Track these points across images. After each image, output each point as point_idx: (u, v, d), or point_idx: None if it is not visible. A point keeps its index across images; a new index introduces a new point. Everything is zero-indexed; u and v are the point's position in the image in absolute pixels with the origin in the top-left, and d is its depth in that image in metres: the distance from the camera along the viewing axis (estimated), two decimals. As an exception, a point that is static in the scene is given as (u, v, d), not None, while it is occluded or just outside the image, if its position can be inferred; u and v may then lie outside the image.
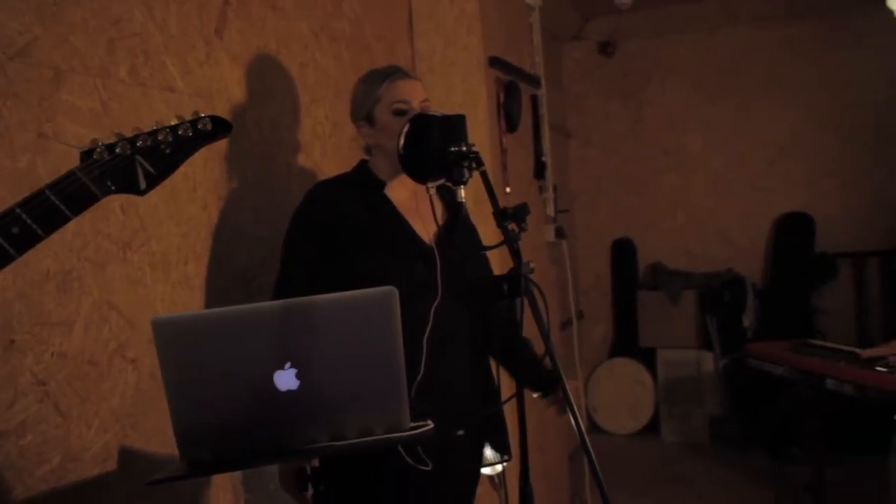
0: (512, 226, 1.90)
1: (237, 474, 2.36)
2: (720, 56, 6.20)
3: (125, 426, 1.99)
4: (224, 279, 2.35)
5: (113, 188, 1.35)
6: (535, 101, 4.46)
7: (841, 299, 5.91)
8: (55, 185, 1.30)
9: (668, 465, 5.44)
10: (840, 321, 5.86)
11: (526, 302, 1.83)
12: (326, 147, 2.90)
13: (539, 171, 4.42)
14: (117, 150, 1.35)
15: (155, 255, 2.11)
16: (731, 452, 5.56)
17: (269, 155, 2.60)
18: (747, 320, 5.80)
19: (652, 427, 6.05)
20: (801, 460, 4.94)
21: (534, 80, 4.41)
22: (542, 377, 2.21)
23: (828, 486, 4.29)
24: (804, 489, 4.37)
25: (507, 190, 3.78)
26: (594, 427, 6.17)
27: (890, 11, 4.71)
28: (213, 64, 2.35)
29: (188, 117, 1.41)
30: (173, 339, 1.46)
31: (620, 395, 6.08)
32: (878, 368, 3.49)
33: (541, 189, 4.47)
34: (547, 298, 1.86)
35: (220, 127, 1.42)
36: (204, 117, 1.40)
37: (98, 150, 1.34)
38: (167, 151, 1.38)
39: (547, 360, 1.91)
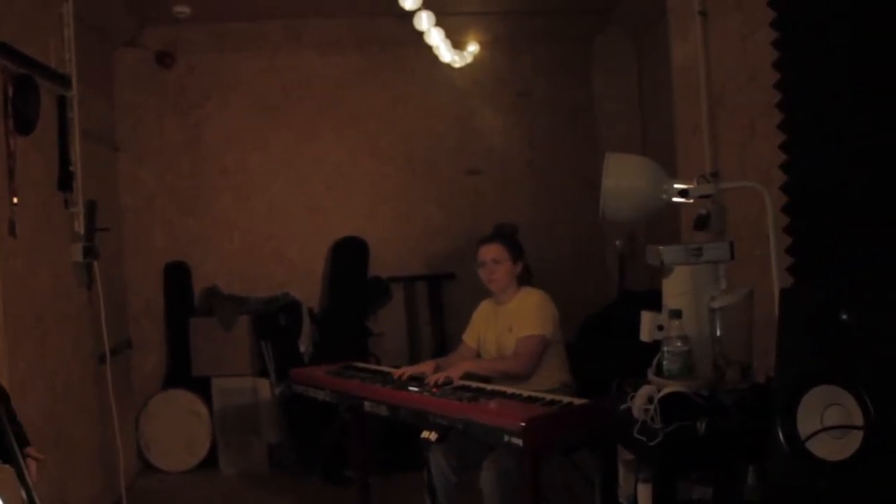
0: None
1: None
2: (283, 78, 6.11)
3: None
4: None
5: None
6: (62, 102, 3.95)
7: (394, 321, 6.12)
8: None
9: (227, 499, 5.16)
10: (394, 342, 6.07)
11: None
12: None
13: (65, 182, 3.91)
14: None
15: None
16: (291, 479, 5.43)
17: None
18: (303, 345, 5.70)
19: (210, 460, 5.69)
20: (353, 482, 4.95)
21: (62, 79, 3.91)
22: None
23: (375, 502, 4.31)
24: (354, 508, 4.36)
25: (15, 200, 3.25)
26: (147, 466, 5.67)
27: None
28: None
29: None
30: None
31: (175, 429, 5.66)
32: (411, 388, 3.54)
33: (67, 203, 3.95)
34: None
35: None
36: None
37: None
38: None
39: None
